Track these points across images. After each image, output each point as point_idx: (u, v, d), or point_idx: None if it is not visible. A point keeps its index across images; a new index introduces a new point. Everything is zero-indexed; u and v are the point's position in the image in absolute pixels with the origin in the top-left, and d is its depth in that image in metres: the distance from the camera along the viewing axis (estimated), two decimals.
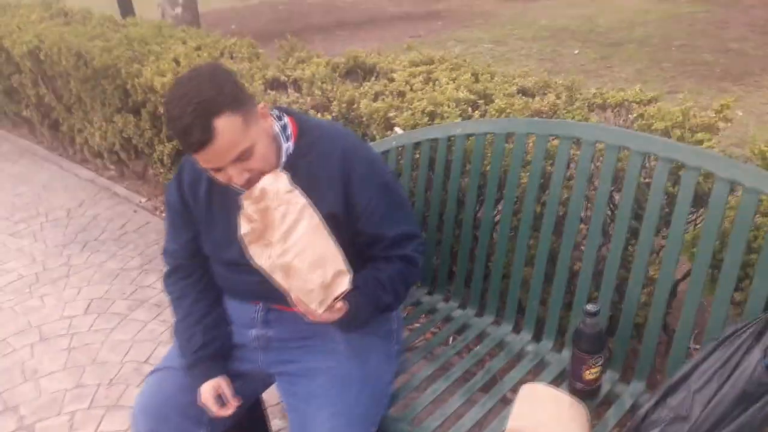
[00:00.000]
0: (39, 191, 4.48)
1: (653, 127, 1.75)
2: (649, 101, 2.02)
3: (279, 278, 1.25)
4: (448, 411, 1.47)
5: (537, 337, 1.70)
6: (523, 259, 1.71)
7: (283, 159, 1.38)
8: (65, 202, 4.24)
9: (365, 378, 1.43)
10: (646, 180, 1.72)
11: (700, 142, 1.72)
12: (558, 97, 2.19)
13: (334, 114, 2.36)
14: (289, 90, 2.65)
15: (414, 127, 2.08)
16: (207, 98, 1.19)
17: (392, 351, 1.54)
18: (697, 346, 1.74)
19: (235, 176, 1.27)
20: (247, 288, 1.45)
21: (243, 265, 1.37)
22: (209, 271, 1.54)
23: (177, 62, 3.21)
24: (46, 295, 3.15)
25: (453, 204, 1.86)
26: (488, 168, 1.77)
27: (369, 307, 1.38)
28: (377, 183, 1.42)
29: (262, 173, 1.30)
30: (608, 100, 2.12)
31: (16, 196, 4.44)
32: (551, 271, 1.68)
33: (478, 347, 1.68)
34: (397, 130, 2.11)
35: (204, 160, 1.25)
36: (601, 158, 1.68)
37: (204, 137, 1.19)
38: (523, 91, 2.32)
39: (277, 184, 1.25)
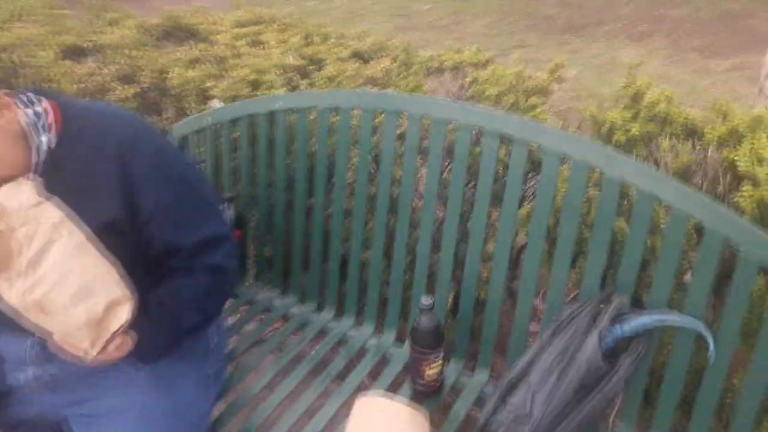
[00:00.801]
0: None
1: (486, 93, 1.63)
2: (485, 63, 1.92)
3: (35, 318, 0.98)
4: (291, 420, 1.30)
5: (379, 330, 1.56)
6: (359, 245, 1.55)
7: (41, 158, 1.08)
8: None
9: (174, 410, 1.20)
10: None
11: (534, 106, 1.64)
12: (394, 60, 2.03)
13: (144, 86, 2.02)
14: (89, 59, 2.25)
15: (234, 99, 1.82)
16: None
17: (208, 373, 1.32)
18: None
19: None
20: (9, 319, 1.15)
21: None
22: None
23: None
24: None
25: (281, 186, 1.64)
26: (315, 147, 1.57)
27: (167, 333, 1.15)
28: (167, 178, 1.16)
29: (2, 180, 1.01)
30: (445, 63, 1.99)
31: None
32: (389, 257, 1.54)
33: (319, 346, 1.51)
34: (216, 102, 1.84)
35: None
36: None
37: None
38: (358, 55, 2.13)
39: (19, 196, 0.97)
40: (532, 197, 1.61)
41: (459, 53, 2.06)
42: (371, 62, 2.00)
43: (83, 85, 2.04)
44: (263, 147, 1.64)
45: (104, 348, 1.01)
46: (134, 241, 1.14)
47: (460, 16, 6.68)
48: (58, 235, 0.98)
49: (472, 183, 1.50)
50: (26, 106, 1.10)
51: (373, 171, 1.57)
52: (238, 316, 1.66)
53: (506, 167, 1.56)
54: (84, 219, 1.08)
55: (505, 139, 1.33)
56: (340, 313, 1.63)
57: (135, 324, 1.07)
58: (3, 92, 1.07)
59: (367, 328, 1.56)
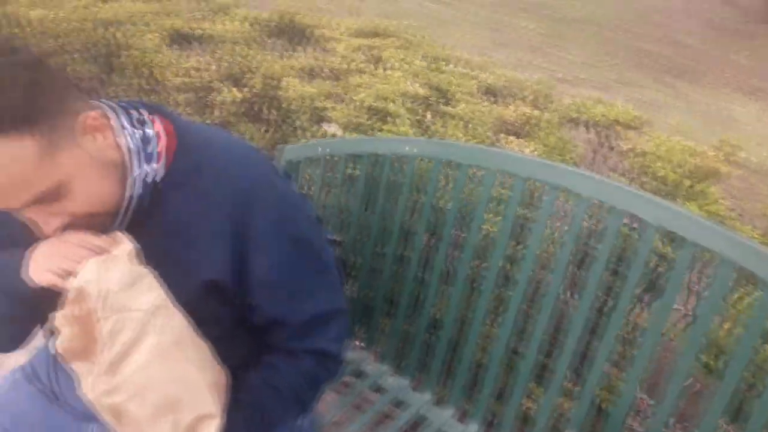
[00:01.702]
0: None
1: (658, 173, 1.38)
2: (639, 125, 1.67)
3: (110, 420, 0.82)
4: None
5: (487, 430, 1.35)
6: (480, 323, 1.34)
7: (136, 191, 0.87)
8: None
9: None
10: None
11: (703, 193, 1.39)
12: (533, 105, 1.80)
13: (254, 90, 1.85)
14: (194, 49, 2.10)
15: (352, 127, 1.63)
16: None
17: None
18: None
19: (45, 226, 0.81)
20: None
21: None
22: None
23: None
24: None
25: (396, 238, 1.44)
26: (444, 203, 1.37)
27: (259, 428, 0.96)
28: (287, 238, 0.95)
29: (89, 217, 0.83)
30: (584, 116, 1.75)
31: None
32: (517, 343, 1.32)
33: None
34: (332, 128, 1.65)
35: None
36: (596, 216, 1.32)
37: None
38: (489, 91, 1.91)
39: (106, 275, 0.79)
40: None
41: (601, 104, 1.82)
42: (507, 104, 1.77)
43: (188, 79, 1.89)
44: (383, 191, 1.45)
45: None
46: (236, 305, 0.96)
47: (557, 40, 6.37)
48: (146, 332, 0.80)
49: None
50: (134, 127, 0.91)
51: (514, 246, 1.36)
52: None
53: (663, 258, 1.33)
54: (182, 274, 0.91)
55: (672, 236, 1.09)
56: (442, 399, 1.42)
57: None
58: (102, 111, 0.86)
59: (472, 425, 1.34)
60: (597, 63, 5.81)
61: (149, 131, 0.90)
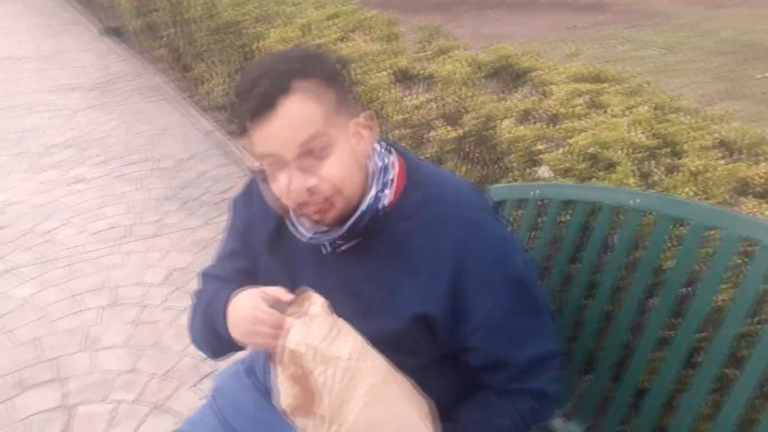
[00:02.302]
0: (157, 134, 4.42)
1: None
2: None
3: None
4: None
5: None
6: (699, 398, 1.19)
7: (366, 214, 0.95)
8: (178, 151, 4.13)
9: None
10: None
11: None
12: None
13: (465, 130, 1.90)
14: (420, 87, 2.21)
15: (568, 171, 1.58)
16: (298, 59, 0.92)
17: None
18: None
19: (296, 179, 0.89)
20: None
21: None
22: None
23: (306, 29, 2.88)
24: (131, 253, 3.01)
25: (604, 296, 1.35)
26: (668, 264, 1.25)
27: None
28: (507, 282, 0.97)
29: (335, 190, 0.91)
30: None
31: (135, 135, 4.40)
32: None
33: None
34: (543, 171, 1.62)
35: (262, 137, 0.88)
36: None
37: (273, 91, 0.86)
38: (724, 144, 1.73)
39: (310, 333, 0.86)
40: None
41: None
42: (748, 163, 1.59)
43: (408, 115, 1.99)
44: (595, 244, 1.37)
45: None
46: (441, 341, 0.98)
47: None
48: (355, 378, 0.85)
49: None
50: (377, 154, 1.00)
51: (750, 323, 1.20)
52: None
53: None
54: (396, 302, 0.96)
55: None
56: None
57: None
58: (363, 117, 0.97)
59: None
60: None
61: (387, 161, 0.98)
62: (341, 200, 0.93)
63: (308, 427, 0.89)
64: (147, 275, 2.83)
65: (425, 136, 1.89)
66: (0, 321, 2.50)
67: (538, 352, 1.00)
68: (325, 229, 0.97)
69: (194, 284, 1.22)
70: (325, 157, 0.90)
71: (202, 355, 2.29)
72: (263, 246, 1.08)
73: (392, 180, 0.98)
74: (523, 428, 1.01)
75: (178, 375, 2.23)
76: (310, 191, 0.90)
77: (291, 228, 1.01)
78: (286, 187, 0.91)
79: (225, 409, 1.24)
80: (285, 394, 0.89)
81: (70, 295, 2.67)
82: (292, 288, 1.02)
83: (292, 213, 1.00)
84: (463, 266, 0.94)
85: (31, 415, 2.03)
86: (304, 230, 1.00)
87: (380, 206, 0.96)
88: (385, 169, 0.98)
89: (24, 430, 1.97)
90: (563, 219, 1.44)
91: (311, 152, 0.89)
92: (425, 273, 0.95)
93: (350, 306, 0.97)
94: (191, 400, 2.10)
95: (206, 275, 1.19)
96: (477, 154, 1.88)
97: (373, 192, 0.95)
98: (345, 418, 0.85)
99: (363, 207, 0.95)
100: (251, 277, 1.11)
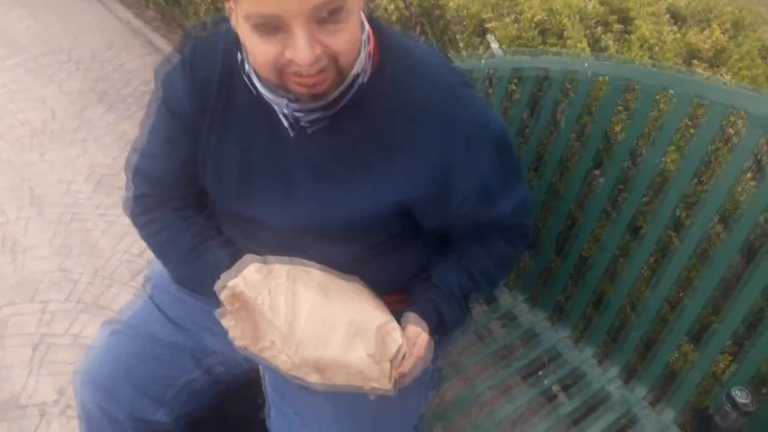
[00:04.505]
0: (71, 25, 4.00)
1: None
2: None
3: (316, 378, 0.87)
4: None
5: (627, 378, 1.23)
6: (638, 266, 1.20)
7: (352, 80, 0.83)
8: (94, 43, 3.76)
9: (381, 410, 1.00)
10: None
11: None
12: (723, 33, 1.55)
13: (411, 8, 1.75)
14: None
15: (516, 40, 1.49)
16: None
17: (429, 374, 1.09)
18: None
19: (303, 45, 0.74)
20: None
21: (262, 223, 0.95)
22: (209, 216, 1.07)
23: None
24: (48, 151, 2.77)
25: (552, 165, 1.32)
26: (617, 131, 1.21)
27: (460, 312, 1.00)
28: (494, 148, 0.91)
29: (337, 62, 0.78)
30: None
31: (47, 26, 3.97)
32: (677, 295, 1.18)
33: (547, 372, 1.22)
34: (492, 43, 1.52)
35: None
36: None
37: None
38: (674, 15, 1.67)
39: (243, 276, 0.89)
40: None
41: None
42: (692, 29, 1.54)
43: None
44: (545, 113, 1.31)
45: (396, 376, 0.87)
46: (425, 220, 0.95)
47: None
48: (296, 289, 0.87)
49: None
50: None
51: (695, 185, 1.19)
52: None
53: None
54: (372, 188, 0.89)
55: None
56: (578, 336, 1.31)
57: (430, 309, 0.95)
58: None
59: (612, 369, 1.23)
60: None
61: (365, 32, 0.85)
62: (337, 73, 0.80)
63: (272, 355, 0.89)
64: (68, 173, 2.63)
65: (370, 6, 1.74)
66: None
67: (517, 200, 0.98)
68: (304, 105, 0.84)
69: (122, 181, 1.08)
70: (338, 25, 0.76)
71: (134, 252, 2.22)
72: (209, 126, 0.95)
73: (369, 54, 0.86)
74: (500, 269, 1.03)
75: (110, 273, 2.12)
76: (316, 61, 0.77)
77: (267, 97, 0.86)
78: (278, 53, 0.76)
79: (159, 297, 1.17)
80: (234, 334, 0.89)
81: None
82: (241, 173, 0.93)
83: (264, 82, 0.86)
84: (448, 142, 0.86)
85: None
86: (278, 103, 0.86)
87: (362, 81, 0.85)
88: (366, 40, 0.86)
89: None
90: (513, 90, 1.37)
91: (322, 18, 0.74)
92: (407, 154, 0.87)
93: (313, 192, 0.90)
94: (125, 299, 2.01)
95: (138, 174, 1.04)
96: (421, 28, 1.75)
97: (362, 64, 0.84)
98: (298, 327, 0.84)
99: (351, 80, 0.83)
100: (193, 169, 0.99)
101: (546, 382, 1.18)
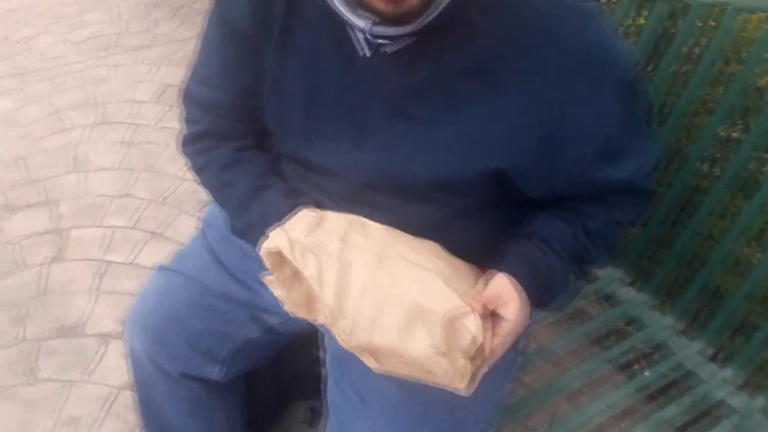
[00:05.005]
0: None
1: None
2: None
3: (373, 364, 0.73)
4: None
5: (746, 385, 1.04)
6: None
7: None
8: None
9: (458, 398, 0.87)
10: None
11: None
12: None
13: None
14: None
15: None
16: None
17: (512, 356, 0.94)
18: None
19: None
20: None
21: (328, 171, 0.80)
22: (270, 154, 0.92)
23: None
24: (118, 66, 2.71)
25: (679, 118, 1.09)
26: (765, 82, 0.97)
27: (562, 280, 0.79)
28: (620, 86, 0.72)
29: None
30: None
31: None
32: None
33: (640, 365, 1.06)
34: None
35: None
36: None
37: None
38: None
39: (291, 228, 0.75)
40: None
41: None
42: None
43: None
44: (675, 51, 1.07)
45: (473, 366, 0.70)
46: (526, 186, 0.77)
47: None
48: (347, 257, 0.71)
49: None
50: None
51: None
52: None
53: None
54: (464, 135, 0.72)
55: None
56: (688, 327, 1.12)
57: (526, 269, 0.75)
58: None
59: (727, 373, 1.04)
60: None
61: None
62: None
63: (324, 323, 0.75)
64: (138, 91, 2.56)
65: None
66: None
67: (648, 157, 0.79)
68: (386, 30, 0.68)
69: None
70: None
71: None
72: (272, 47, 0.79)
73: None
74: (617, 239, 0.84)
75: (176, 202, 2.07)
76: None
77: (343, 14, 0.70)
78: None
79: (214, 242, 1.07)
80: (287, 306, 0.77)
81: (54, 111, 2.43)
82: (306, 104, 0.78)
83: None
84: (567, 78, 0.68)
85: (22, 238, 1.90)
86: (358, 21, 0.69)
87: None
88: None
89: (14, 253, 1.85)
90: (634, 22, 1.13)
91: None
92: (512, 90, 0.69)
93: (389, 134, 0.74)
94: (189, 228, 1.96)
95: (192, 101, 0.91)
96: None
97: None
98: (347, 308, 0.69)
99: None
100: (252, 100, 0.84)
101: (647, 375, 1.01)
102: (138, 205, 2.03)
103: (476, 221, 0.82)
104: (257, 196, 0.88)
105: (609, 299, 1.15)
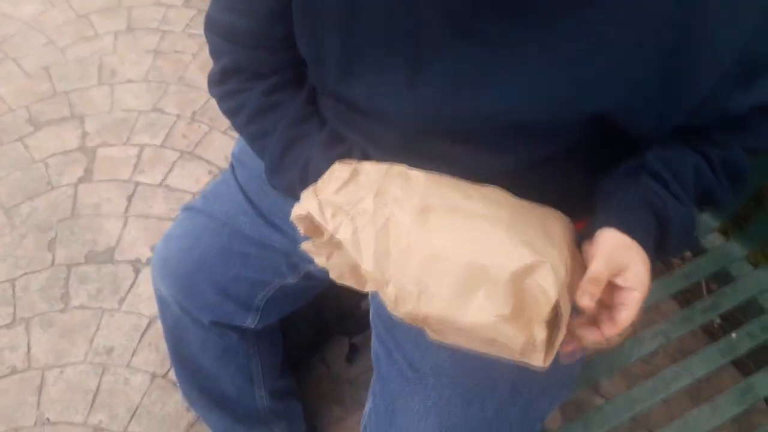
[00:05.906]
0: None
1: None
2: None
3: (431, 335, 0.61)
4: None
5: None
6: None
7: None
8: None
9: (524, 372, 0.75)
10: None
11: None
12: None
13: None
14: None
15: None
16: None
17: None
18: None
19: None
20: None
21: (375, 111, 0.66)
22: (308, 90, 0.77)
23: None
24: None
25: None
26: None
27: (689, 224, 0.62)
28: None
29: None
30: None
31: None
32: None
33: (735, 333, 0.91)
34: None
35: None
36: None
37: None
38: None
39: (321, 189, 0.63)
40: None
41: None
42: None
43: None
44: None
45: (553, 340, 0.55)
46: (646, 112, 0.58)
47: None
48: (386, 214, 0.59)
49: None
50: None
51: None
52: None
53: None
54: (555, 62, 0.55)
55: None
56: None
57: (642, 213, 0.59)
58: None
59: None
60: None
61: None
62: None
63: (372, 289, 0.63)
64: None
65: None
66: (4, 46, 2.15)
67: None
68: None
69: None
70: None
71: None
72: None
73: None
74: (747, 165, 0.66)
75: (206, 116, 1.94)
76: None
77: None
78: None
79: (245, 182, 0.94)
80: (334, 275, 0.66)
81: (76, 16, 2.26)
82: (346, 28, 0.62)
83: None
84: None
85: (49, 157, 1.81)
86: None
87: None
88: None
89: (42, 173, 1.77)
90: None
91: None
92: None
93: (453, 62, 0.58)
94: (222, 147, 1.83)
95: (217, 28, 0.75)
96: None
97: None
98: (389, 276, 0.57)
99: None
100: (281, 22, 0.68)
101: (740, 349, 0.86)
102: (167, 121, 1.91)
103: (561, 169, 0.66)
104: (291, 150, 0.73)
105: (697, 253, 1.00)
